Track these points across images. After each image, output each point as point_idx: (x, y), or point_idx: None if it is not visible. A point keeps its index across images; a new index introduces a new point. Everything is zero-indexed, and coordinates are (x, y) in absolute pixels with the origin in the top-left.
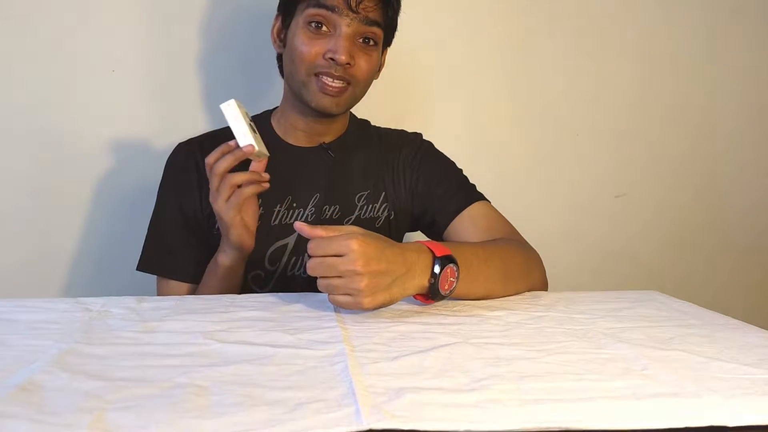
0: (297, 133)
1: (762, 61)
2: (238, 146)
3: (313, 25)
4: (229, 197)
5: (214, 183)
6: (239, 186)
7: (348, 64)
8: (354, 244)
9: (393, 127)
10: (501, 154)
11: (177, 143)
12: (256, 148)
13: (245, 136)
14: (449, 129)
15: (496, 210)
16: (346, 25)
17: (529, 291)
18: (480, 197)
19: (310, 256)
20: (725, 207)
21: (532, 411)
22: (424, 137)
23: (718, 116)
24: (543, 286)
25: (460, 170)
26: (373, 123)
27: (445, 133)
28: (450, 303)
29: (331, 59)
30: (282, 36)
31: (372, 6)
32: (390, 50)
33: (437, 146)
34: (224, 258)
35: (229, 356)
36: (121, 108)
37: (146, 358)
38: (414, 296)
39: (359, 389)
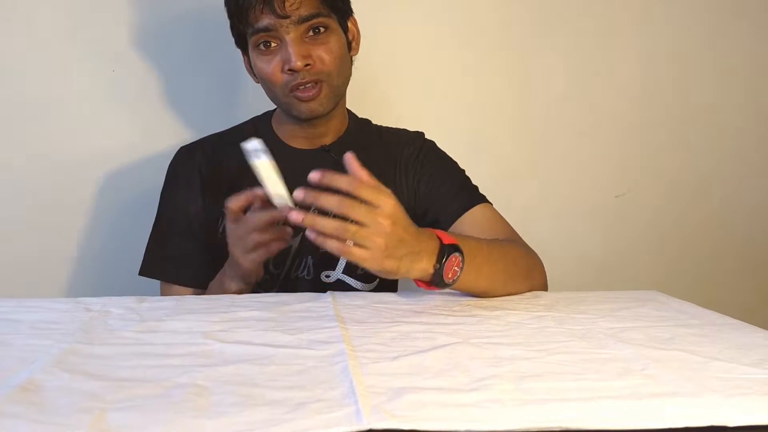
0: (297, 136)
1: (764, 61)
2: (270, 202)
3: (261, 47)
4: (251, 250)
5: (236, 232)
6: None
7: (308, 65)
8: (391, 201)
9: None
10: (501, 154)
11: (179, 146)
12: (292, 206)
13: (281, 197)
14: (449, 129)
15: (498, 213)
16: (286, 34)
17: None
18: (483, 199)
19: (337, 193)
20: (725, 207)
21: (532, 411)
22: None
23: (719, 116)
24: (542, 289)
25: (463, 171)
26: (373, 123)
27: (445, 133)
28: (450, 303)
29: (290, 70)
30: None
31: (299, 2)
32: (390, 50)
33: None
34: (234, 286)
35: (229, 356)
36: (122, 108)
37: (146, 358)
38: (416, 281)
39: (359, 389)
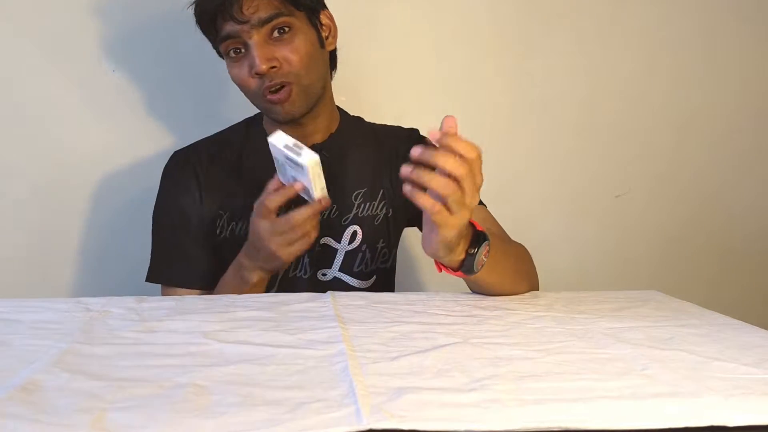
0: None
1: (761, 61)
2: (308, 194)
3: (232, 53)
4: (293, 243)
5: (277, 228)
6: None
7: (273, 67)
8: None
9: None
10: (501, 154)
11: (173, 149)
12: (328, 197)
13: (323, 190)
14: None
15: (493, 217)
16: (249, 38)
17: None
18: (479, 202)
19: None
20: (725, 207)
21: (532, 411)
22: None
23: (720, 117)
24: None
25: None
26: (366, 120)
27: None
28: (450, 303)
29: (257, 74)
30: None
31: (255, 6)
32: (389, 50)
33: None
34: (255, 277)
35: (229, 356)
36: (122, 108)
37: (146, 357)
38: (438, 265)
39: (359, 389)
